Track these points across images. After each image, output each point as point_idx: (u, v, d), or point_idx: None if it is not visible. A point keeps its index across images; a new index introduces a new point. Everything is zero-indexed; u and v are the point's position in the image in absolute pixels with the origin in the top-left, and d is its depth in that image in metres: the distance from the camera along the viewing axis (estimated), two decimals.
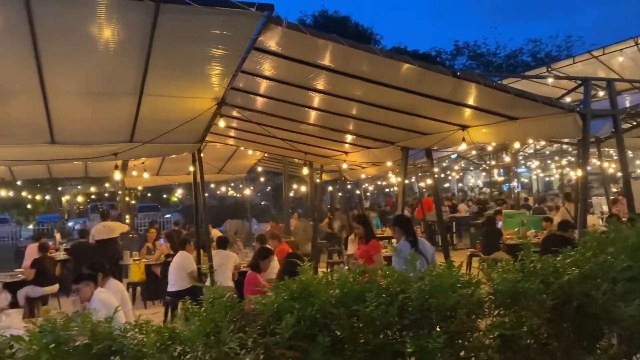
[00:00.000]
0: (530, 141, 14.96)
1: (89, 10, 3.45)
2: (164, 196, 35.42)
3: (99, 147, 6.34)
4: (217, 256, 7.67)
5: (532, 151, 19.63)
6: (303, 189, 18.61)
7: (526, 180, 33.37)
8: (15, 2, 3.27)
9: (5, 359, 2.23)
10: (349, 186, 20.63)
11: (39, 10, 3.40)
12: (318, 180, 13.96)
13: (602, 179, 12.29)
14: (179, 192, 27.96)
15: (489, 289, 3.03)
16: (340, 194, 19.30)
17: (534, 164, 23.00)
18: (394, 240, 7.65)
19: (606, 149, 11.06)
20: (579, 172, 6.81)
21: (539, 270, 3.12)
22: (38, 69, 4.24)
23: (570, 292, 3.05)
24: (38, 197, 27.10)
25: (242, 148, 12.55)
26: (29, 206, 30.34)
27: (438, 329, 2.75)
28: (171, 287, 8.00)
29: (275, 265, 6.83)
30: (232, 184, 27.21)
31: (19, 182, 16.52)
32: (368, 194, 32.24)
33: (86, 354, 2.25)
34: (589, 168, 6.50)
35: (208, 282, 6.82)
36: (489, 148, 16.22)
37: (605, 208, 11.90)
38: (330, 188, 22.61)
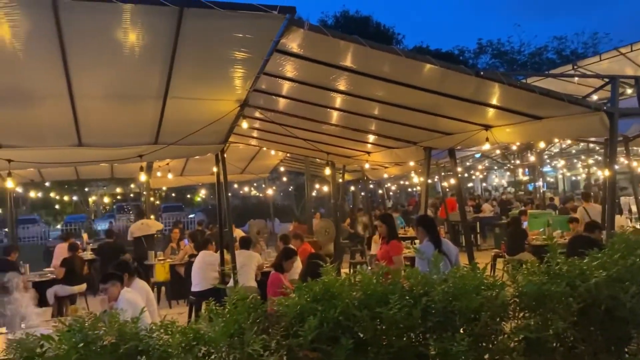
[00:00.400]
0: (556, 140, 14.73)
1: (114, 15, 3.52)
2: (188, 196, 35.84)
3: (124, 149, 6.45)
4: (239, 256, 7.72)
5: (557, 150, 19.30)
6: (325, 188, 18.63)
7: (552, 180, 32.83)
8: (44, 9, 3.36)
9: (35, 357, 2.28)
10: (371, 186, 20.59)
11: (67, 17, 3.48)
12: (340, 180, 13.96)
13: (630, 178, 12.03)
14: (202, 192, 28.24)
15: (514, 291, 3.00)
16: (362, 194, 19.25)
17: (560, 163, 22.60)
18: (417, 241, 7.61)
19: (635, 148, 10.83)
20: (607, 172, 6.68)
21: (565, 272, 3.08)
22: (66, 74, 4.34)
23: (598, 295, 3.00)
24: (66, 198, 27.65)
25: (264, 148, 12.63)
26: (57, 207, 30.98)
27: (462, 332, 2.74)
28: (195, 287, 8.08)
29: (298, 265, 6.85)
30: (255, 184, 27.41)
31: (47, 183, 16.88)
32: (390, 193, 32.10)
33: (114, 353, 2.30)
34: (616, 167, 6.37)
35: (231, 283, 6.88)
36: (514, 147, 16.02)
37: (634, 208, 11.64)
38: (352, 188, 22.57)
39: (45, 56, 4.08)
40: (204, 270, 8.08)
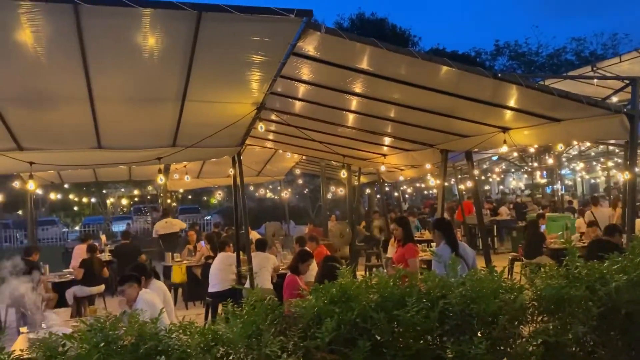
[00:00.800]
0: (575, 142, 14.57)
1: (134, 20, 3.56)
2: (204, 198, 36.07)
3: (143, 151, 6.52)
4: (255, 258, 7.75)
5: (576, 152, 19.07)
6: (341, 191, 18.61)
7: (570, 183, 32.43)
8: (65, 13, 3.41)
9: (57, 356, 2.32)
10: (387, 188, 20.53)
11: (87, 21, 3.53)
12: (356, 183, 13.95)
13: None
14: (218, 195, 28.42)
15: (532, 295, 2.98)
16: (378, 196, 19.20)
17: (579, 165, 22.33)
18: (433, 244, 7.58)
19: None
20: (627, 175, 6.58)
21: (585, 276, 3.04)
22: (86, 77, 4.40)
23: (618, 299, 2.96)
24: (84, 200, 28.01)
25: (280, 151, 12.69)
26: (75, 208, 31.40)
27: (480, 335, 2.72)
28: (212, 288, 8.12)
29: (313, 267, 6.86)
30: (271, 187, 27.49)
31: (66, 185, 17.11)
32: (406, 196, 31.97)
33: (134, 353, 2.33)
34: (637, 170, 6.28)
35: (247, 284, 6.91)
36: (531, 149, 15.86)
37: None
38: (368, 190, 22.54)
39: (66, 60, 4.14)
40: (223, 271, 8.13)
